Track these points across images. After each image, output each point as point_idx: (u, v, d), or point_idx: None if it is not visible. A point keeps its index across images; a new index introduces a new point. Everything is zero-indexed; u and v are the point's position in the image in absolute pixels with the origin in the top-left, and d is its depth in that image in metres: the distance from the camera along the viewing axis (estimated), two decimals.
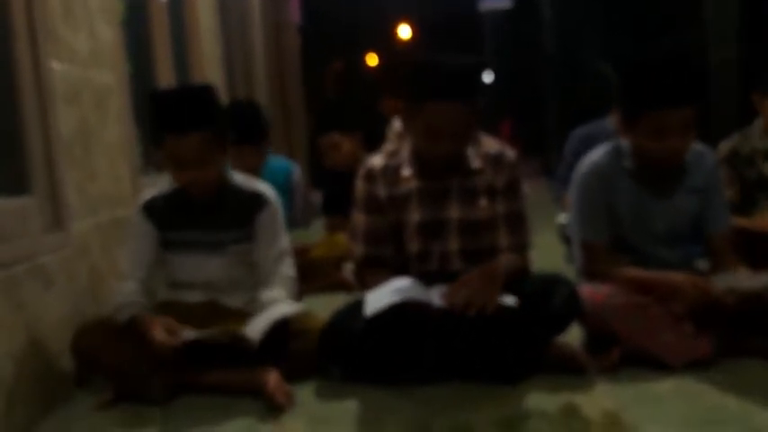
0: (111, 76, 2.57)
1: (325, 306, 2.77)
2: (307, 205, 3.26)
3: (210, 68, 4.09)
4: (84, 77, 2.35)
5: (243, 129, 2.60)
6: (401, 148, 2.07)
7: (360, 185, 2.06)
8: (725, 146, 2.78)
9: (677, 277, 1.89)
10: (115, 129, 2.57)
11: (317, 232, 3.57)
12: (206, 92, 2.06)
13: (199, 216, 2.10)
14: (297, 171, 3.28)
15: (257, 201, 2.13)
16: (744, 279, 1.87)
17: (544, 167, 8.57)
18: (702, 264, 2.14)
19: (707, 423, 1.54)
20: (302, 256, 2.90)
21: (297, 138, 7.43)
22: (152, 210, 2.10)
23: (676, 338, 1.84)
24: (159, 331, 1.84)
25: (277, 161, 3.28)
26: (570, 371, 1.88)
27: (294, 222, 3.16)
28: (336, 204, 3.43)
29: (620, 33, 9.47)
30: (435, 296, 1.78)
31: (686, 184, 2.03)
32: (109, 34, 2.57)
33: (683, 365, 1.83)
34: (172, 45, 3.52)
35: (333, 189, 3.47)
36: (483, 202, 1.98)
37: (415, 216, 1.99)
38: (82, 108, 2.31)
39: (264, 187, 2.19)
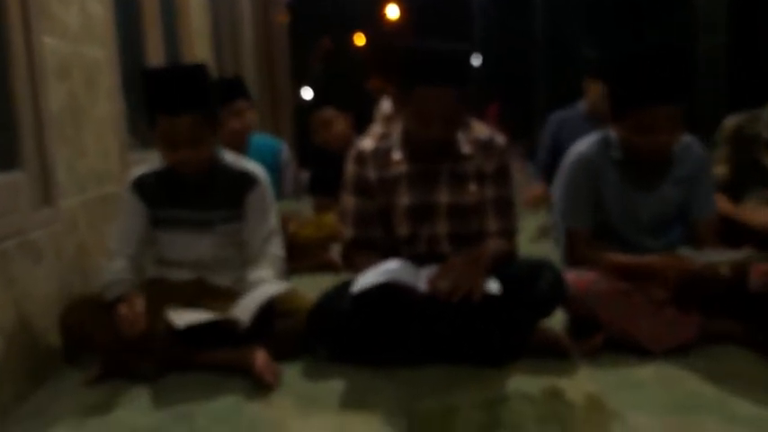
0: (101, 52, 2.53)
1: (312, 286, 2.78)
2: (296, 184, 3.26)
3: (199, 44, 4.05)
4: (74, 53, 2.31)
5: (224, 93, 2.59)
6: (392, 130, 2.07)
7: (350, 167, 2.06)
8: (730, 122, 2.74)
9: (657, 260, 1.93)
10: (105, 105, 2.54)
11: (305, 209, 3.57)
12: (199, 72, 2.04)
13: (189, 195, 2.10)
14: (285, 149, 3.28)
15: (247, 180, 2.13)
16: (722, 254, 1.89)
17: (530, 151, 8.60)
18: (686, 250, 2.17)
19: (686, 409, 1.58)
20: (290, 236, 2.91)
21: (284, 115, 7.39)
22: (142, 187, 2.09)
23: (658, 325, 1.87)
24: (128, 318, 1.83)
25: (264, 139, 3.27)
26: (554, 355, 1.91)
27: (283, 199, 3.16)
28: (324, 185, 3.42)
29: (609, 18, 9.48)
30: (422, 279, 1.80)
31: (673, 175, 2.05)
32: (99, 9, 2.53)
33: (664, 351, 1.87)
34: (161, 19, 3.46)
35: (321, 169, 3.45)
36: (472, 186, 1.99)
37: (404, 199, 2.00)
38: (72, 84, 2.28)
39: (254, 166, 2.18)
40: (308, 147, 3.83)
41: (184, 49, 3.85)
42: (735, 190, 2.78)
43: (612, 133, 2.05)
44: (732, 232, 2.56)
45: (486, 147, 2.00)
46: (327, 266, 3.12)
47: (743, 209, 2.62)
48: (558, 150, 3.55)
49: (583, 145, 2.11)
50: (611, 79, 2.01)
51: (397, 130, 2.04)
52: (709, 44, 3.48)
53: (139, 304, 1.87)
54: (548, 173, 3.68)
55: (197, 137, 1.97)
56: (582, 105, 3.54)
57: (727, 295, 1.91)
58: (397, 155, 2.01)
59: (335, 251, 3.12)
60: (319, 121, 3.32)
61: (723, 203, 2.73)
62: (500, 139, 2.04)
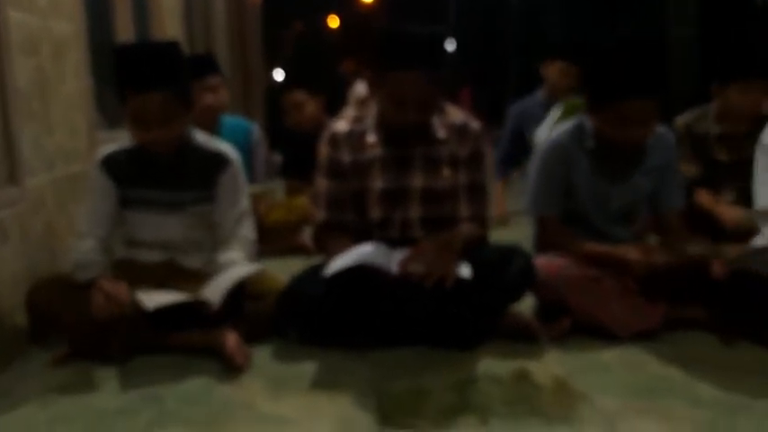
0: (69, 27, 2.46)
1: (283, 269, 2.76)
2: (268, 166, 3.22)
3: (170, 21, 3.96)
4: (42, 27, 2.24)
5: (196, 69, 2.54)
6: (366, 114, 2.05)
7: (323, 150, 2.04)
8: (680, 121, 2.83)
9: (627, 252, 1.94)
10: (73, 81, 2.47)
11: (277, 191, 3.53)
12: (170, 49, 1.99)
13: (160, 174, 2.05)
14: (256, 130, 3.23)
15: (220, 161, 2.09)
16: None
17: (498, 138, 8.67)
18: (653, 239, 2.22)
19: (650, 392, 1.62)
20: (260, 218, 2.88)
21: (255, 96, 7.30)
22: (111, 165, 2.04)
23: (625, 310, 1.91)
24: (101, 295, 1.81)
25: (235, 120, 3.22)
26: (523, 338, 1.93)
27: (255, 181, 3.12)
28: (296, 167, 3.39)
29: (583, 7, 9.55)
30: (395, 262, 1.80)
31: (645, 165, 2.07)
32: None
33: (630, 336, 1.90)
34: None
35: (292, 152, 3.41)
36: (446, 171, 1.99)
37: (378, 183, 1.99)
38: (39, 59, 2.21)
39: (226, 147, 2.14)
40: (279, 128, 3.78)
41: (154, 25, 3.76)
42: (710, 184, 2.84)
43: (587, 122, 2.07)
44: (709, 226, 2.63)
45: (460, 132, 2.00)
46: (298, 250, 3.10)
47: (720, 204, 2.69)
48: (519, 140, 3.58)
49: (557, 132, 2.12)
50: (589, 70, 2.02)
51: (371, 113, 2.03)
52: (680, 35, 3.53)
53: (121, 287, 1.84)
54: (508, 164, 3.79)
55: (168, 115, 1.93)
56: (540, 93, 3.58)
57: (691, 284, 1.94)
58: (371, 138, 1.99)
59: (307, 234, 3.11)
60: (291, 103, 3.27)
61: (704, 198, 2.79)
62: (474, 124, 2.04)
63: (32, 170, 2.12)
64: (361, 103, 6.91)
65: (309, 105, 3.26)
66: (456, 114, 2.03)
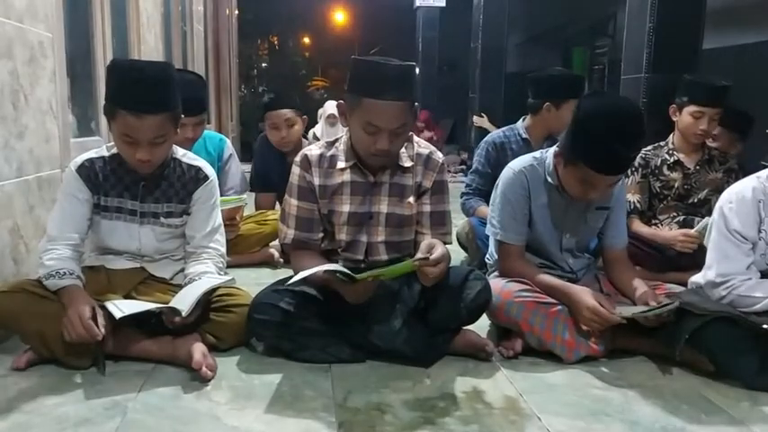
0: (47, 32, 2.39)
1: (250, 281, 2.75)
2: (242, 180, 3.18)
3: (148, 33, 3.89)
4: (17, 31, 2.18)
5: (185, 100, 2.48)
6: (338, 139, 2.06)
7: (295, 171, 2.04)
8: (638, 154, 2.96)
9: (582, 300, 1.91)
10: (48, 86, 2.40)
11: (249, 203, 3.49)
12: (166, 71, 1.94)
13: (137, 186, 2.01)
14: (228, 144, 3.20)
15: (197, 177, 2.07)
16: (633, 308, 1.97)
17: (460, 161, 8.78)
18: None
19: (593, 413, 1.66)
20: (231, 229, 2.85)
21: (228, 108, 7.24)
22: (88, 172, 1.98)
23: (572, 337, 1.95)
24: (78, 322, 1.73)
25: (207, 133, 3.18)
26: (478, 358, 1.97)
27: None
28: (265, 182, 3.36)
29: (539, 41, 9.80)
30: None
31: (598, 203, 2.13)
32: None
33: (576, 360, 1.95)
34: (111, 9, 3.32)
35: (262, 166, 3.38)
36: (410, 199, 2.02)
37: (345, 207, 2.00)
38: (14, 63, 2.15)
39: (204, 163, 2.13)
40: (253, 142, 3.74)
41: (133, 36, 3.69)
42: (648, 213, 2.97)
43: (549, 158, 2.11)
44: (645, 253, 2.73)
45: (426, 162, 2.03)
46: (267, 262, 3.08)
47: (654, 230, 2.81)
48: (496, 172, 3.25)
49: (520, 164, 2.15)
50: (574, 128, 1.95)
51: (343, 140, 2.04)
52: (631, 76, 3.65)
53: (98, 315, 1.76)
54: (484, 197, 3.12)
55: (160, 137, 1.89)
56: (520, 127, 3.12)
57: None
58: (341, 163, 2.00)
59: (275, 247, 3.09)
60: (279, 120, 3.22)
61: (639, 226, 2.91)
62: (439, 155, 2.07)
63: (1, 173, 2.05)
64: (328, 118, 6.94)
65: (297, 124, 3.24)
66: (422, 145, 2.06)
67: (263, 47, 13.00)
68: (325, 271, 1.74)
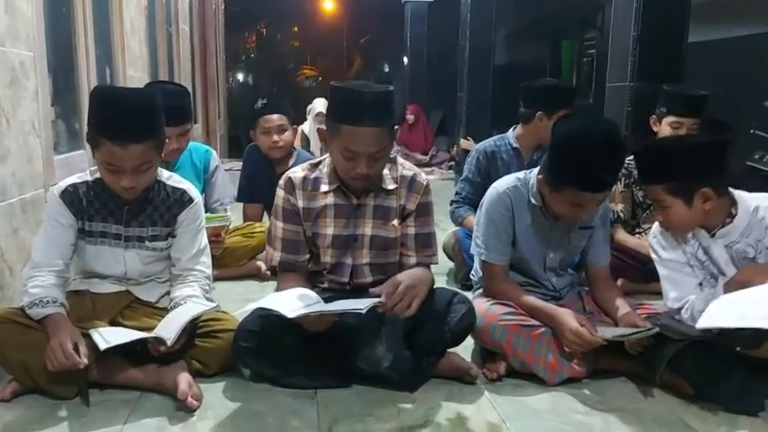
0: (28, 51, 2.36)
1: (237, 296, 2.75)
2: (228, 190, 3.17)
3: (133, 37, 3.85)
4: None
5: (167, 110, 2.45)
6: (322, 161, 2.06)
7: (280, 194, 2.04)
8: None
9: (565, 323, 1.93)
10: (30, 107, 2.38)
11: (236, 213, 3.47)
12: (150, 99, 1.92)
13: (121, 210, 2.00)
14: (215, 155, 3.18)
15: (181, 200, 2.06)
16: (615, 330, 1.98)
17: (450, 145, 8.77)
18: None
19: None
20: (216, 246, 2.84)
21: (215, 106, 7.19)
22: (72, 198, 1.96)
23: (555, 359, 1.97)
24: (60, 351, 1.73)
25: (194, 145, 3.16)
26: (462, 381, 1.98)
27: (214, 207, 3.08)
28: (254, 193, 3.34)
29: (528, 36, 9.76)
30: (359, 303, 1.77)
31: (582, 223, 2.14)
32: (28, 10, 2.36)
33: (559, 383, 1.97)
34: (94, 19, 3.27)
35: (251, 177, 3.36)
36: (394, 221, 2.02)
37: (329, 230, 2.00)
38: None
39: (189, 185, 2.11)
40: (241, 136, 3.69)
41: (117, 43, 3.65)
42: (632, 222, 3.00)
43: (532, 179, 2.11)
44: (628, 265, 2.75)
45: (410, 184, 2.03)
46: (254, 275, 3.08)
47: (640, 241, 2.84)
48: (486, 182, 3.07)
49: (504, 184, 2.16)
50: (557, 152, 1.96)
51: (326, 162, 2.03)
52: (615, 84, 3.65)
53: (80, 344, 1.76)
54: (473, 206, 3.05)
55: (144, 164, 1.87)
56: (510, 137, 3.13)
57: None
58: (325, 186, 2.00)
59: (262, 260, 3.08)
60: (271, 125, 3.19)
61: (622, 235, 2.93)
62: (423, 176, 2.07)
63: None
64: (316, 116, 6.89)
65: (289, 130, 3.22)
66: (406, 167, 2.06)
67: (251, 39, 12.89)
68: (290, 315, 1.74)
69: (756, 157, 4.02)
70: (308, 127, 7.17)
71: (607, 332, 1.95)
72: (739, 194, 1.96)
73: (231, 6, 9.58)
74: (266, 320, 1.94)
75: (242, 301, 2.66)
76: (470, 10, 6.12)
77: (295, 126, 3.32)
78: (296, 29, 15.01)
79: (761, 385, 1.84)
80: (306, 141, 7.17)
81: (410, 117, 8.58)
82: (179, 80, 5.34)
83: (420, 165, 8.24)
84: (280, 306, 1.76)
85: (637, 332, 1.90)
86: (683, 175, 1.87)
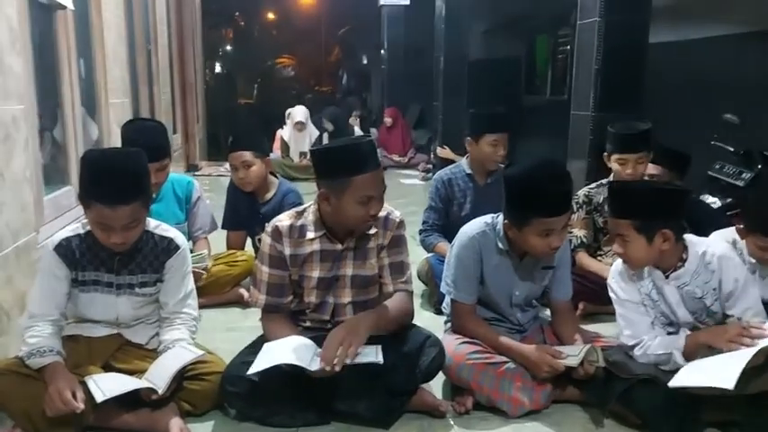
0: (19, 105, 2.45)
1: (220, 324, 2.89)
2: (211, 221, 3.28)
3: (114, 63, 3.91)
4: None
5: (146, 147, 2.52)
6: (307, 209, 2.20)
7: (267, 241, 2.18)
8: (582, 191, 3.19)
9: (541, 360, 2.12)
10: (21, 157, 2.47)
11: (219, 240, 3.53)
12: (136, 160, 2.03)
13: (112, 260, 2.12)
14: (197, 185, 3.27)
15: (168, 248, 2.18)
16: (571, 349, 2.18)
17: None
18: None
19: None
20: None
21: (193, 111, 7.22)
22: (65, 251, 2.08)
23: (517, 394, 2.15)
24: (57, 398, 1.85)
25: (175, 176, 3.23)
26: (432, 415, 2.16)
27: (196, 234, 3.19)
28: (236, 221, 3.45)
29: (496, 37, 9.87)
30: (316, 359, 1.97)
31: (545, 262, 2.32)
32: (19, 66, 2.44)
33: (521, 415, 2.16)
34: (77, 52, 3.34)
35: (233, 205, 3.44)
36: (372, 261, 2.19)
37: (315, 273, 2.16)
38: None
39: (176, 233, 2.24)
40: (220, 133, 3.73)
41: (98, 68, 3.72)
42: (594, 245, 3.19)
43: (498, 224, 2.28)
44: (591, 290, 2.94)
45: (384, 223, 2.20)
46: (237, 302, 3.19)
47: (601, 265, 3.02)
48: (447, 208, 3.34)
49: (473, 228, 2.31)
50: (517, 196, 2.13)
51: (312, 210, 2.18)
52: (578, 116, 3.80)
53: (77, 390, 1.88)
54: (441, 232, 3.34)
55: (133, 222, 2.00)
56: (464, 164, 3.37)
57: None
58: (311, 233, 2.15)
59: (244, 287, 3.20)
60: (238, 162, 3.27)
61: (585, 259, 3.12)
62: (396, 214, 2.24)
63: None
64: (295, 125, 6.96)
65: (256, 165, 3.27)
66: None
67: (228, 34, 12.83)
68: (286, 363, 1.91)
69: (717, 167, 4.21)
70: (287, 133, 7.27)
71: (567, 356, 2.13)
72: (690, 239, 2.15)
73: (207, 4, 9.53)
74: (251, 364, 2.09)
75: (225, 332, 2.81)
76: (444, 23, 6.25)
77: (267, 158, 3.38)
78: (271, 15, 14.92)
79: (701, 417, 2.04)
80: (285, 147, 7.28)
81: (388, 120, 8.73)
82: (158, 91, 5.40)
83: (398, 166, 8.41)
84: (291, 359, 1.92)
85: (584, 357, 2.09)
86: (650, 214, 2.06)
